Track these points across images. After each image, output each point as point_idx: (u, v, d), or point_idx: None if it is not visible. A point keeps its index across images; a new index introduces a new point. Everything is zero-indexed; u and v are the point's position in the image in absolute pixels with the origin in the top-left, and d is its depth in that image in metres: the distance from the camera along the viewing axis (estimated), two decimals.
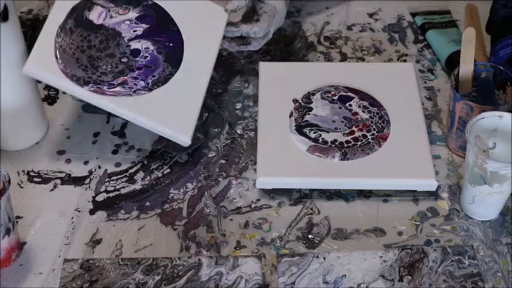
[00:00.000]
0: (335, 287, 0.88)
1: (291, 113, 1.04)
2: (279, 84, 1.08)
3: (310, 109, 1.04)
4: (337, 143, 1.00)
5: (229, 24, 1.08)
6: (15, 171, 1.01)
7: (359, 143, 1.00)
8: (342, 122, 1.02)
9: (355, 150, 0.99)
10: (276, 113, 1.04)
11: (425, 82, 1.13)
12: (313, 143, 1.00)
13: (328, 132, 1.01)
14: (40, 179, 1.01)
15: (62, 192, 0.99)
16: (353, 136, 1.01)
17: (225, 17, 1.07)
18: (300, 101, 1.05)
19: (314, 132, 1.01)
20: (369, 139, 1.00)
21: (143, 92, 0.99)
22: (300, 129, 1.01)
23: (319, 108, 1.04)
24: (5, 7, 0.92)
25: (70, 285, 0.88)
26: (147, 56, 1.01)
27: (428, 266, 0.90)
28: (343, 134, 1.01)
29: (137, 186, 1.00)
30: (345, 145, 0.99)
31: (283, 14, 1.11)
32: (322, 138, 1.00)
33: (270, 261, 0.92)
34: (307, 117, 1.03)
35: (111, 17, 1.02)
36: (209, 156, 1.03)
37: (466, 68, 1.01)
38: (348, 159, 0.98)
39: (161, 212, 0.97)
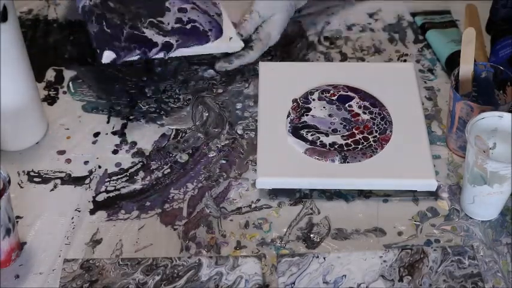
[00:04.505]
0: (335, 287, 0.88)
1: (288, 113, 1.03)
2: (279, 84, 1.08)
3: (309, 110, 1.04)
4: (336, 146, 0.99)
5: (222, 59, 1.12)
6: (15, 171, 1.01)
7: (360, 146, 0.99)
8: (341, 123, 1.02)
9: (355, 154, 0.98)
10: (275, 113, 1.04)
11: (425, 82, 1.13)
12: (311, 146, 0.99)
13: (327, 135, 1.01)
14: (40, 179, 1.01)
15: (62, 192, 0.99)
16: (353, 139, 1.00)
17: None
18: (298, 100, 1.05)
19: (312, 135, 1.01)
20: (370, 142, 1.00)
21: None
22: (296, 131, 1.01)
23: (317, 109, 1.04)
24: (4, 7, 0.92)
25: (70, 285, 0.88)
26: None
27: (428, 266, 0.89)
28: (342, 136, 1.01)
29: (137, 186, 1.00)
30: (345, 148, 0.99)
31: (277, 33, 1.14)
32: (321, 141, 1.00)
33: (270, 261, 0.92)
34: (305, 119, 1.03)
35: None
36: (209, 156, 1.03)
37: (466, 68, 1.01)
38: (348, 162, 0.97)
39: (161, 212, 0.97)
